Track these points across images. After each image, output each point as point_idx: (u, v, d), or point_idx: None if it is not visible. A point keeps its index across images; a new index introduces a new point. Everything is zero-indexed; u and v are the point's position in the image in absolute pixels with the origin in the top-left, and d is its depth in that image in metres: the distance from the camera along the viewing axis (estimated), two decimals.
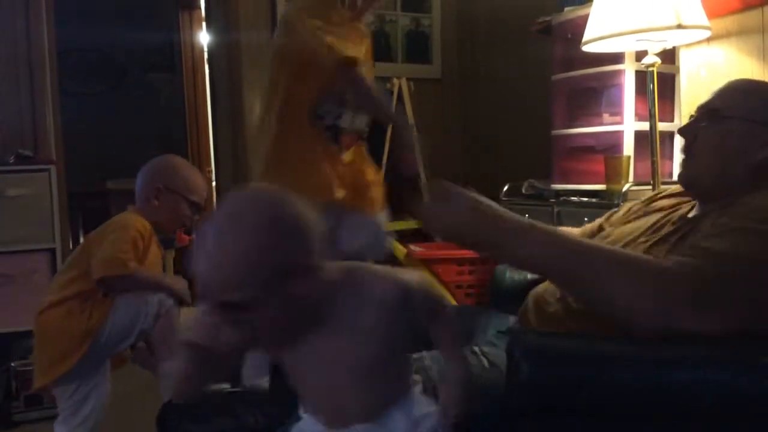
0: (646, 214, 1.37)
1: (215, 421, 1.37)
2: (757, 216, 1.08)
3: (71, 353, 1.50)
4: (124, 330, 1.52)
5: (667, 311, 1.03)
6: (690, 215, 1.24)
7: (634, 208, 1.45)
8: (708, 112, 1.22)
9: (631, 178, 2.10)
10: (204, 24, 4.41)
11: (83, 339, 1.50)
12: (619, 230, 1.35)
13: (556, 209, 2.32)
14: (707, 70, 2.18)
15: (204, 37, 4.49)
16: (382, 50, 3.47)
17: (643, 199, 1.48)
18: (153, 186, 1.76)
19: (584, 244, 1.13)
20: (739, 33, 2.07)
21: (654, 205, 1.39)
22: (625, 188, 2.04)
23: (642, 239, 1.25)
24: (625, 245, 1.25)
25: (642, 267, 1.06)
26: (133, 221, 1.70)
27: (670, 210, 1.31)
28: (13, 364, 2.55)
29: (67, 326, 1.52)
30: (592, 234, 1.48)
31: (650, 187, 1.99)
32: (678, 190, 1.37)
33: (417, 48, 3.55)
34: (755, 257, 1.04)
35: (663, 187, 1.54)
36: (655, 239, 1.21)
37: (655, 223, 1.28)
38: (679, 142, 2.12)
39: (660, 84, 2.01)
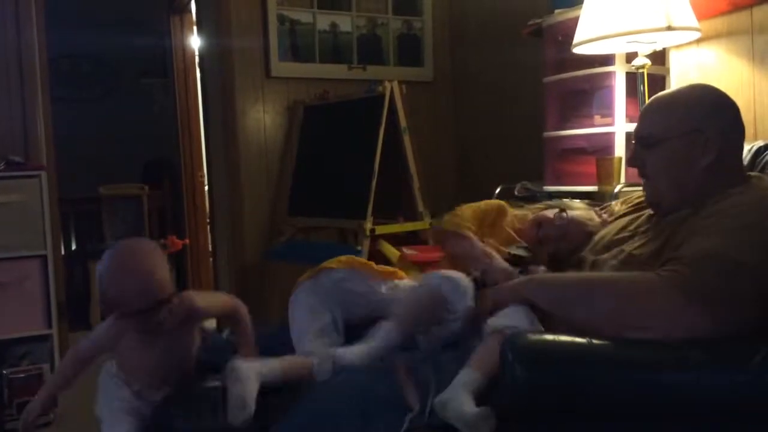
0: (616, 218, 1.47)
1: (205, 420, 1.37)
2: (731, 213, 1.16)
3: None
4: None
5: (670, 320, 1.08)
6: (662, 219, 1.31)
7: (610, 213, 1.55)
8: (642, 141, 1.31)
9: (622, 179, 2.11)
10: (195, 28, 4.41)
11: None
12: (604, 231, 1.44)
13: None
14: (697, 72, 2.19)
15: (195, 42, 4.49)
16: (374, 53, 3.47)
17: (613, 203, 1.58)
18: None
19: (576, 283, 1.23)
20: (729, 34, 2.08)
21: (619, 210, 1.50)
22: (616, 189, 2.05)
23: (626, 237, 1.34)
24: (610, 244, 1.36)
25: (632, 288, 1.14)
26: None
27: (635, 217, 1.41)
28: (5, 372, 2.53)
29: None
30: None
31: (641, 188, 1.99)
32: (638, 199, 1.47)
33: (409, 51, 3.56)
34: (736, 256, 1.09)
35: (628, 197, 1.60)
36: (633, 246, 1.29)
37: (626, 226, 1.38)
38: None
39: (650, 85, 2.02)
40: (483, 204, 1.54)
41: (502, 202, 1.54)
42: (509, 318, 1.24)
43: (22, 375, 2.55)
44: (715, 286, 1.07)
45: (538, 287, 1.25)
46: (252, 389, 1.30)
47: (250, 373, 1.33)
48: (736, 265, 1.09)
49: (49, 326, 2.67)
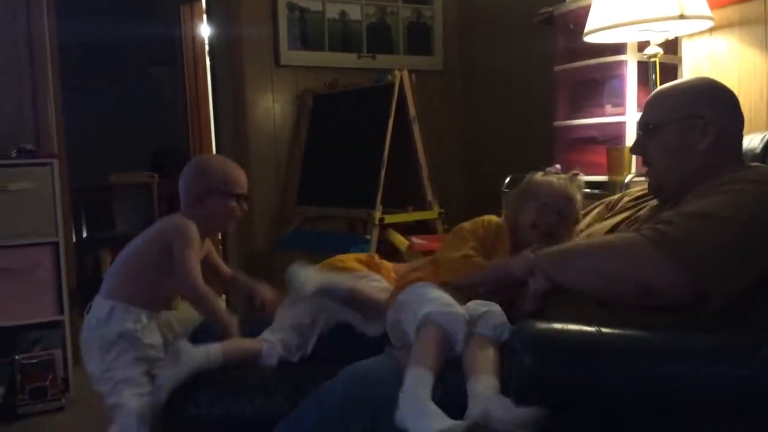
0: (616, 213, 1.48)
1: (218, 406, 1.39)
2: (725, 182, 1.20)
3: None
4: None
5: (643, 272, 1.13)
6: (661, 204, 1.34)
7: (609, 206, 1.56)
8: (644, 128, 1.36)
9: (633, 169, 2.10)
10: (205, 17, 4.41)
11: None
12: (600, 225, 1.46)
13: None
14: (709, 61, 2.17)
15: (205, 30, 4.49)
16: (383, 42, 3.46)
17: (611, 198, 1.59)
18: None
19: (575, 246, 1.28)
20: (742, 23, 2.06)
21: (620, 206, 1.51)
22: (627, 179, 2.04)
23: (633, 223, 1.35)
24: (612, 233, 1.39)
25: (617, 246, 1.20)
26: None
27: (637, 209, 1.43)
28: (17, 357, 2.56)
29: None
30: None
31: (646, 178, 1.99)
32: (641, 193, 1.48)
33: (419, 39, 3.54)
34: (721, 214, 1.13)
35: (630, 191, 1.61)
36: (636, 227, 1.31)
37: (628, 217, 1.40)
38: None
39: (662, 75, 2.00)
40: (480, 226, 1.44)
41: (498, 220, 1.47)
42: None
43: (35, 360, 2.57)
44: (691, 240, 1.10)
45: (544, 256, 1.26)
46: (174, 377, 1.40)
47: (185, 361, 1.42)
48: (717, 220, 1.12)
49: (61, 313, 2.70)
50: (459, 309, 1.22)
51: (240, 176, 1.71)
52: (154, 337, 1.59)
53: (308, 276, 1.50)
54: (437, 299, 1.24)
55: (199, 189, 1.67)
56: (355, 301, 1.50)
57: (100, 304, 1.59)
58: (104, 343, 1.55)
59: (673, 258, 1.10)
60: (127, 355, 1.54)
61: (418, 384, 1.11)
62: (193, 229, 1.61)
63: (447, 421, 1.05)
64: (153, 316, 1.61)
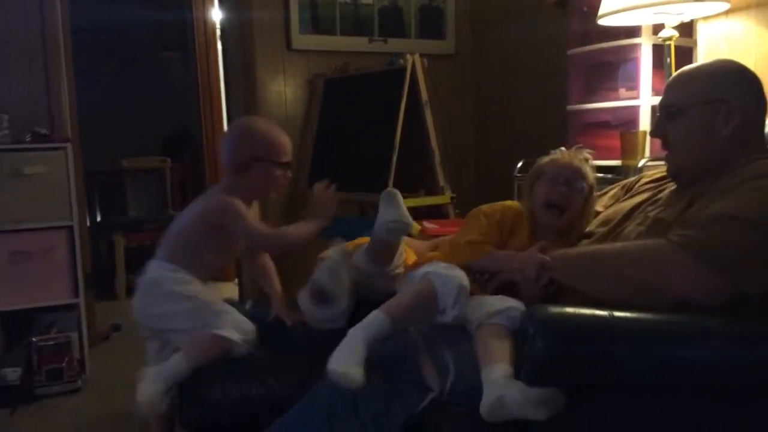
0: (635, 194, 1.46)
1: (232, 390, 1.40)
2: (749, 177, 1.17)
3: None
4: None
5: (682, 280, 1.10)
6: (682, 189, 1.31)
7: (625, 188, 1.54)
8: (665, 111, 1.32)
9: (647, 153, 2.08)
10: (216, 1, 4.40)
11: None
12: (618, 206, 1.44)
13: None
14: (725, 44, 2.15)
15: (216, 15, 4.48)
16: (395, 26, 3.44)
17: (627, 180, 1.57)
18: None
19: (590, 255, 1.25)
20: (758, 5, 2.04)
21: (638, 187, 1.49)
22: (640, 164, 2.03)
23: (649, 209, 1.34)
24: (631, 214, 1.37)
25: (644, 255, 1.16)
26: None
27: (656, 191, 1.40)
28: (34, 339, 2.60)
29: None
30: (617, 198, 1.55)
31: (664, 162, 1.97)
32: (660, 175, 1.46)
33: (430, 23, 3.52)
34: (748, 214, 1.10)
35: (647, 173, 1.59)
36: (658, 210, 1.30)
37: (648, 199, 1.38)
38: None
39: (677, 58, 1.98)
40: (498, 211, 1.46)
41: (519, 205, 1.49)
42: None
43: (51, 343, 2.61)
44: (725, 246, 1.08)
45: (558, 257, 1.25)
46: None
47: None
48: (747, 224, 1.09)
49: (76, 296, 2.73)
50: (459, 274, 1.24)
51: (286, 143, 1.69)
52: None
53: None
54: (442, 265, 1.27)
55: (243, 154, 1.65)
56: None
57: (155, 266, 1.66)
58: (166, 291, 1.61)
59: (705, 263, 1.08)
60: (195, 301, 1.60)
61: (370, 327, 1.18)
62: (238, 203, 1.62)
63: (352, 370, 1.12)
64: (201, 285, 1.67)
